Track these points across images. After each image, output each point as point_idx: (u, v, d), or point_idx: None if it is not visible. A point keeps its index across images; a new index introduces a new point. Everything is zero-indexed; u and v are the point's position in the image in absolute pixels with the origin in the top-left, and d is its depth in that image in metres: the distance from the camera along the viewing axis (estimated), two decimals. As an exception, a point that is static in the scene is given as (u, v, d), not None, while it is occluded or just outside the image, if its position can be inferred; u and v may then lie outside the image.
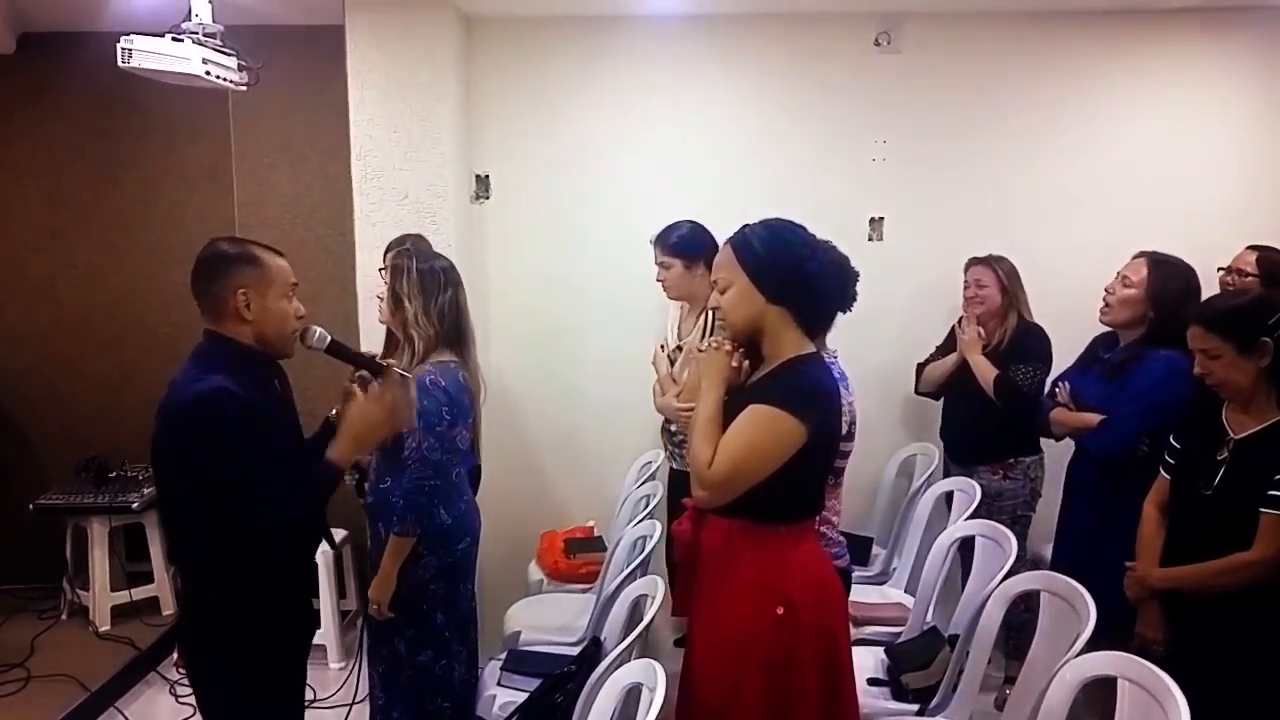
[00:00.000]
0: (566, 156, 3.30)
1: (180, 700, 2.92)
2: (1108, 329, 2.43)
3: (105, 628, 3.24)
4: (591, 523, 3.25)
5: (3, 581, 3.53)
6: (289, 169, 3.33)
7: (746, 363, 1.66)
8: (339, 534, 3.26)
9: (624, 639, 1.78)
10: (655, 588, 1.86)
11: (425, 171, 3.03)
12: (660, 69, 3.26)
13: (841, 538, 2.04)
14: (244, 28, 3.08)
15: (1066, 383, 2.46)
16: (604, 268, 3.33)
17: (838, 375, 1.95)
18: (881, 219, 3.32)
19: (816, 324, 1.65)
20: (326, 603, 3.15)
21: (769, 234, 1.60)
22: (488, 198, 3.33)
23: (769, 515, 1.56)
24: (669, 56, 3.25)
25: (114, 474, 3.38)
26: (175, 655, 3.14)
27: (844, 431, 1.90)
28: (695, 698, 1.64)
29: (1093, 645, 1.65)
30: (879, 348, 3.26)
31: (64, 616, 3.34)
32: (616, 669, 1.61)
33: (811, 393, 1.54)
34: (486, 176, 3.31)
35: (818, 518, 1.87)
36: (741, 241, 1.61)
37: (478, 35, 3.24)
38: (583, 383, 3.39)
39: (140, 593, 3.35)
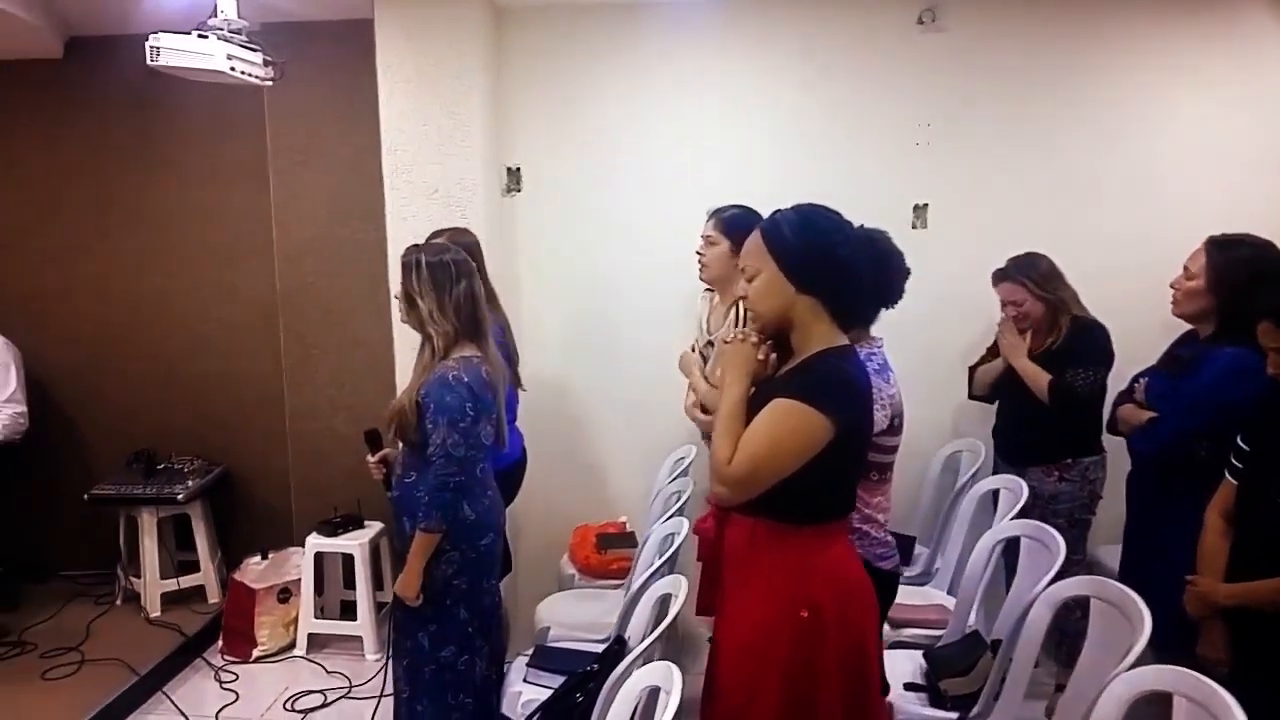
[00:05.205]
0: (599, 147, 3.25)
1: (224, 686, 2.99)
2: (1188, 324, 2.26)
3: (155, 614, 3.34)
4: (624, 518, 3.22)
5: (64, 568, 3.67)
6: (323, 165, 3.36)
7: (774, 355, 1.59)
8: (375, 526, 3.30)
9: (645, 639, 1.73)
10: (679, 587, 1.81)
11: (455, 165, 3.02)
12: (695, 54, 3.18)
13: (890, 538, 1.92)
14: (277, 25, 3.13)
15: (1145, 379, 2.32)
16: (638, 260, 3.27)
17: (879, 365, 1.86)
18: (926, 205, 3.19)
19: (849, 316, 1.56)
20: (363, 595, 3.18)
21: (800, 220, 1.52)
22: (519, 190, 3.30)
23: (794, 515, 1.50)
24: (704, 40, 3.17)
25: (162, 466, 3.48)
26: (220, 642, 3.22)
27: (886, 424, 1.81)
28: (718, 700, 1.59)
29: (1144, 660, 1.54)
30: (925, 339, 3.14)
31: (118, 602, 3.45)
32: (637, 669, 1.57)
33: (839, 387, 1.46)
34: (518, 169, 3.29)
35: (862, 515, 1.80)
36: (771, 227, 1.54)
37: (508, 25, 3.21)
38: (617, 376, 3.34)
39: (188, 581, 3.44)
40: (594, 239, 3.30)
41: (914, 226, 3.19)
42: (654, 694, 1.48)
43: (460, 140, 3.01)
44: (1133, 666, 1.50)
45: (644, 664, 1.62)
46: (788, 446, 1.43)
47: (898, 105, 3.15)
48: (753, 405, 1.51)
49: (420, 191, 3.03)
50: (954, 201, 3.17)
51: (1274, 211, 2.91)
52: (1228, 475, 1.85)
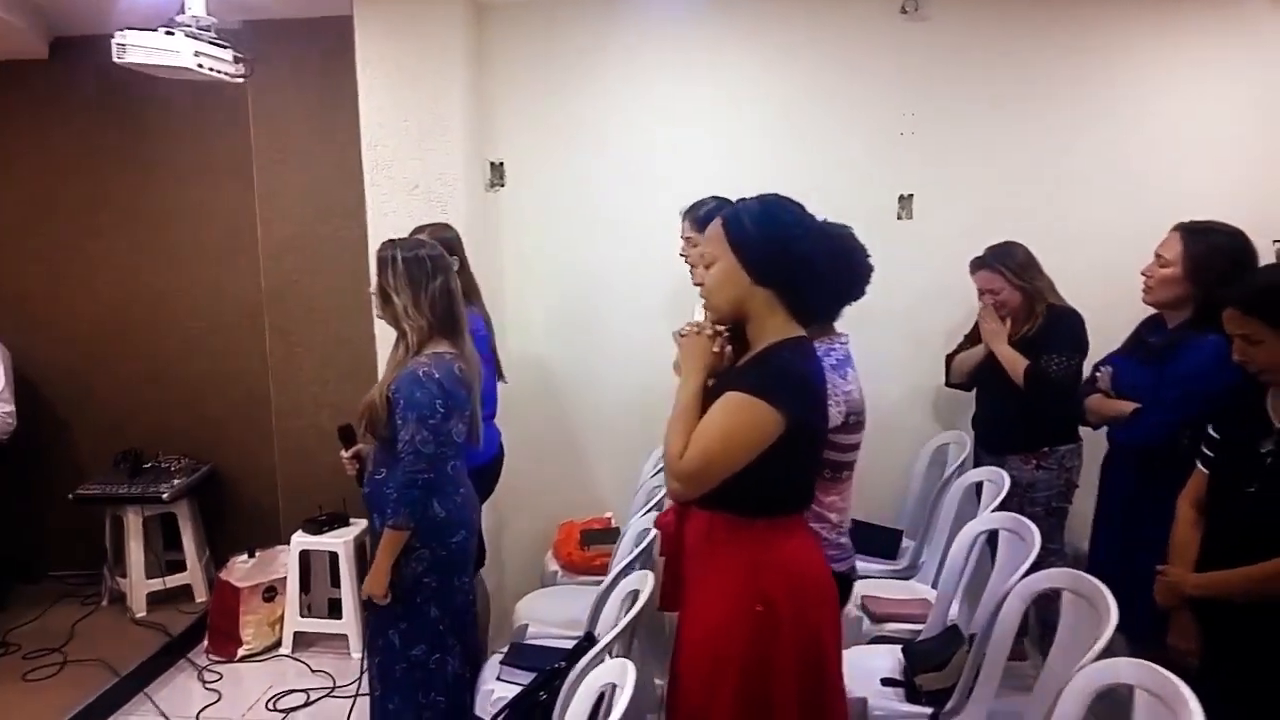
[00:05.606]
0: (584, 141, 3.22)
1: (208, 686, 2.98)
2: (1155, 310, 2.23)
3: (141, 614, 3.34)
4: (609, 514, 3.20)
5: (55, 569, 3.67)
6: (305, 162, 3.35)
7: (730, 348, 1.56)
8: (360, 524, 3.29)
9: (609, 635, 1.71)
10: (645, 582, 1.79)
11: (436, 160, 3.00)
12: (679, 46, 3.16)
13: (844, 540, 1.87)
14: (258, 22, 3.12)
15: (1109, 367, 2.28)
16: (623, 253, 3.25)
17: (836, 361, 1.81)
18: (911, 196, 3.15)
19: (806, 310, 1.53)
20: (348, 593, 3.17)
21: (762, 212, 1.50)
22: (502, 185, 3.29)
23: (749, 508, 1.47)
24: (688, 32, 3.15)
25: (148, 465, 3.48)
26: (205, 642, 3.22)
27: (840, 421, 1.75)
28: (679, 697, 1.57)
29: (1125, 652, 1.50)
30: (910, 330, 3.11)
31: (105, 603, 3.45)
32: (597, 666, 1.54)
33: (790, 380, 1.44)
34: (501, 164, 3.27)
35: (812, 514, 1.75)
36: (732, 217, 1.52)
37: (489, 19, 3.19)
38: (603, 371, 3.32)
39: (175, 580, 3.44)
40: (579, 233, 3.27)
41: (899, 217, 3.16)
42: (615, 691, 1.46)
43: (441, 135, 2.99)
44: (1102, 658, 1.47)
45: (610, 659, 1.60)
46: (739, 441, 1.41)
47: (883, 95, 3.11)
48: (710, 398, 1.49)
49: (401, 187, 3.01)
50: (939, 192, 3.13)
51: (1260, 202, 2.85)
52: (1199, 465, 1.82)
